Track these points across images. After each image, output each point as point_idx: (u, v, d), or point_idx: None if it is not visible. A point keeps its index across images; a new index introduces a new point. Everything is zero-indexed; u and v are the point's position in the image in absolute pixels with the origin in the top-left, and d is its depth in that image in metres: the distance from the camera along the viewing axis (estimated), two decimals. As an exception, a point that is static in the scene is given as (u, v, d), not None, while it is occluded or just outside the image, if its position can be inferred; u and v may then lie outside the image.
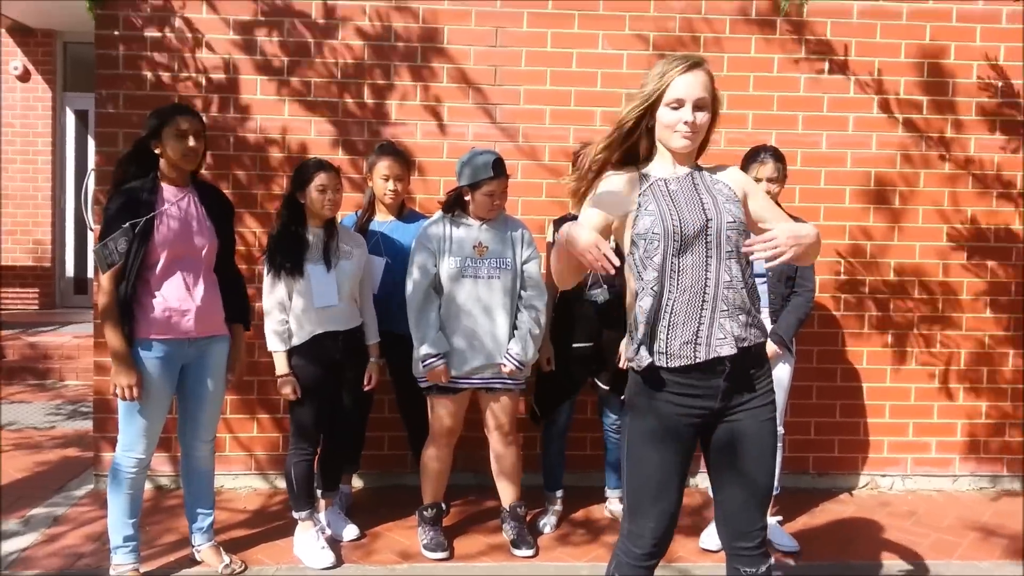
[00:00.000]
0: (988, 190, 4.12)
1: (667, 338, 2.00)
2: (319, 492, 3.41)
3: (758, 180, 3.18)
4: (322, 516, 3.42)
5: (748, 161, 3.32)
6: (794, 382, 4.06)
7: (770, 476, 2.09)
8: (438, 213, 3.32)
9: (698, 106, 1.99)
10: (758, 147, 3.38)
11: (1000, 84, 4.08)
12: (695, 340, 1.99)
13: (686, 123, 1.98)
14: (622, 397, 3.46)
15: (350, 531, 3.42)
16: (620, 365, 3.43)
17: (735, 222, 2.01)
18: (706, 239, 1.99)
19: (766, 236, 1.92)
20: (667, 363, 2.00)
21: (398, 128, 3.97)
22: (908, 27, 4.02)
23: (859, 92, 4.07)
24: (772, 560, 2.14)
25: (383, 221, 3.57)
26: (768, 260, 1.90)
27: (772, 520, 3.44)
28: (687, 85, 1.98)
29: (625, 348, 2.19)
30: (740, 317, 2.01)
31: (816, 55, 4.04)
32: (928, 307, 4.13)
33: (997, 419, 4.17)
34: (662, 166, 2.10)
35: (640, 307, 2.04)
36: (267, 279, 3.19)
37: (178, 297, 2.89)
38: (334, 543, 3.32)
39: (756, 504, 2.08)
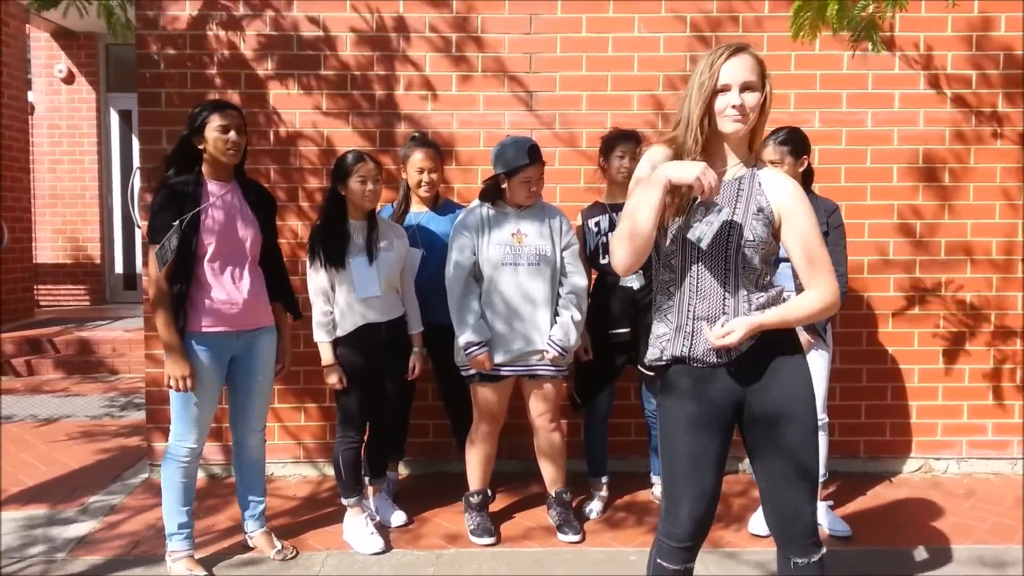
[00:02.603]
0: (1043, 164, 3.99)
1: (692, 341, 2.04)
2: (366, 479, 3.45)
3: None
4: (370, 502, 3.46)
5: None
6: (843, 365, 4.00)
7: (813, 455, 2.05)
8: (475, 201, 3.32)
9: (745, 88, 1.98)
10: (773, 130, 3.32)
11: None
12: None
13: (734, 106, 1.98)
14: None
15: (398, 517, 3.46)
16: None
17: (754, 240, 2.01)
18: (726, 253, 2.01)
19: (724, 329, 1.96)
20: (692, 364, 2.05)
21: (434, 118, 3.98)
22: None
23: (905, 68, 3.96)
24: (824, 550, 2.08)
25: (419, 212, 3.58)
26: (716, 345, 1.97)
27: (823, 505, 3.39)
28: (732, 69, 1.98)
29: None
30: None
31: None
32: (982, 286, 4.02)
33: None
34: (716, 159, 2.07)
35: (659, 305, 2.13)
36: (310, 271, 3.23)
37: (225, 290, 2.94)
38: (382, 529, 3.36)
39: (803, 487, 2.03)
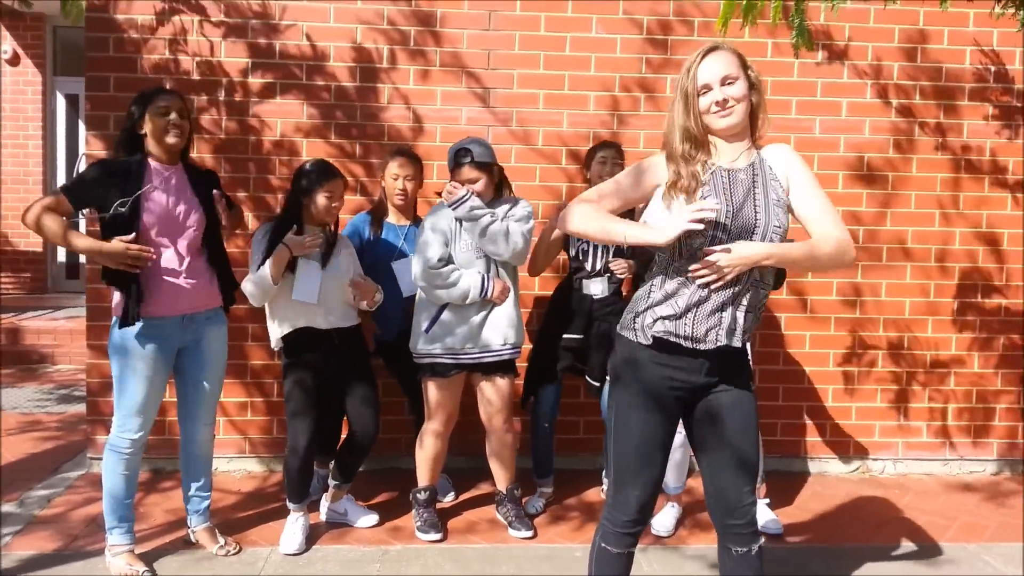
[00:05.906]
0: (981, 175, 4.13)
1: (694, 322, 2.04)
2: (333, 484, 3.37)
3: None
4: (340, 505, 3.40)
5: None
6: (786, 367, 4.13)
7: (754, 447, 2.15)
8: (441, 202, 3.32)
9: (726, 82, 2.03)
10: None
11: (994, 69, 4.08)
12: (718, 329, 2.04)
13: (717, 103, 2.03)
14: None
15: (368, 519, 3.39)
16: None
17: (780, 227, 2.06)
18: (750, 239, 2.03)
19: (709, 260, 1.98)
20: (694, 345, 2.04)
21: (390, 112, 3.96)
22: (901, 12, 4.01)
23: (853, 77, 4.07)
24: (763, 539, 2.18)
25: (402, 226, 3.56)
26: (707, 284, 2.00)
27: (760, 502, 3.47)
28: (707, 69, 2.04)
29: (629, 315, 2.18)
30: (750, 315, 2.08)
31: (810, 40, 4.03)
32: (920, 291, 4.15)
33: (990, 403, 4.20)
34: (722, 152, 2.11)
35: (665, 289, 2.07)
36: (253, 269, 3.14)
37: (171, 272, 2.88)
38: (336, 527, 3.34)
39: (744, 477, 2.12)
